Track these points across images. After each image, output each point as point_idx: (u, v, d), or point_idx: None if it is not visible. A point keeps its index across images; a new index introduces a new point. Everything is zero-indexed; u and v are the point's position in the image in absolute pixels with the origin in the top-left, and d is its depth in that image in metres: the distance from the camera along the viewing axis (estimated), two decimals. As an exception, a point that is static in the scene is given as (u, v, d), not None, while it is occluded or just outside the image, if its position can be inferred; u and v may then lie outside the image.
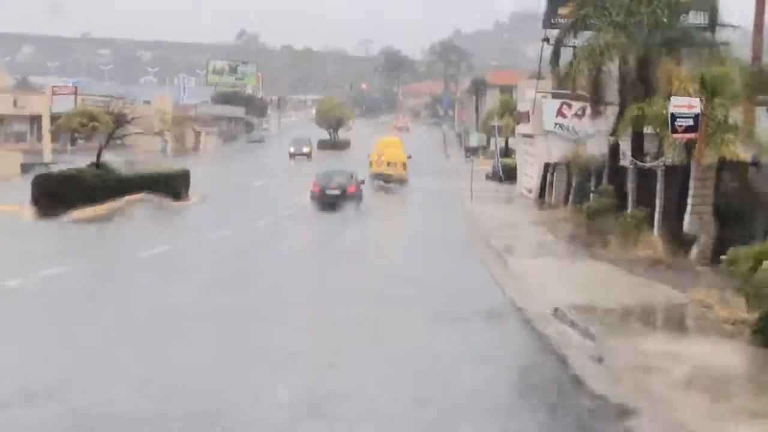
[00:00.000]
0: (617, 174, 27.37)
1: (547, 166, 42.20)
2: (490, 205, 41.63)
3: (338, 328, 15.22)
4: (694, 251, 20.25)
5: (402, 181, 53.23)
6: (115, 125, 41.04)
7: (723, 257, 13.93)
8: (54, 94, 79.53)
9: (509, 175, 54.72)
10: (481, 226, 32.09)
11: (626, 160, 26.58)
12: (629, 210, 24.96)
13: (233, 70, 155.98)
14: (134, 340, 13.85)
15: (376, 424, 10.08)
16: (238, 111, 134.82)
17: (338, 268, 23.15)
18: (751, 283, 12.86)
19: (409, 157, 56.02)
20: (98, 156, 40.06)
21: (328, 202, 39.47)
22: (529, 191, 46.86)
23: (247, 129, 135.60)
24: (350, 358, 13.17)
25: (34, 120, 79.20)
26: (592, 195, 29.45)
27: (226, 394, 10.84)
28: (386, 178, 52.79)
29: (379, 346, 14.07)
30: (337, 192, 40.13)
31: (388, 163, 53.76)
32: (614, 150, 27.46)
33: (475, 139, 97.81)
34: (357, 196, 41.12)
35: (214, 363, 12.52)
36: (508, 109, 73.22)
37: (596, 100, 29.88)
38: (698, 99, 21.31)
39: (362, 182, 43.77)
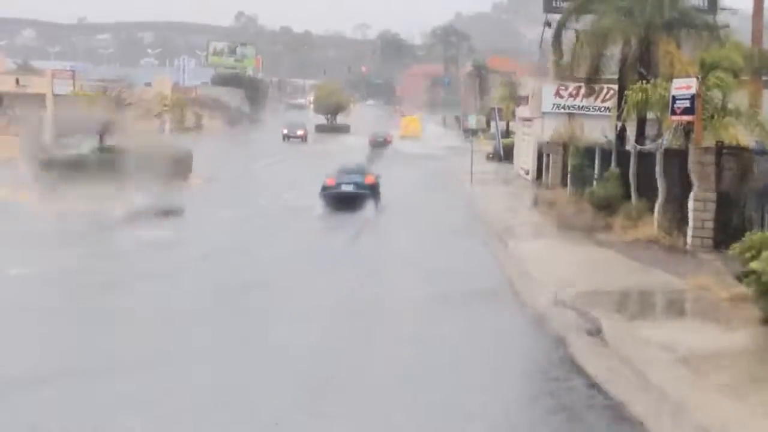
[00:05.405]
0: (621, 158, 27.34)
1: (541, 145, 42.03)
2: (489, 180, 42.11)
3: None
4: (693, 237, 20.22)
5: (418, 138, 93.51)
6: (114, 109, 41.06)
7: (733, 245, 13.85)
8: (54, 77, 78.94)
9: (507, 155, 59.71)
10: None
11: (629, 144, 26.55)
12: (632, 196, 24.89)
13: (233, 52, 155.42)
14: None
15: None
16: (237, 93, 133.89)
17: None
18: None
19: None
20: (101, 140, 40.21)
21: (378, 144, 77.28)
22: (527, 172, 46.86)
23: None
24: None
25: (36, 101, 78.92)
26: (596, 181, 29.11)
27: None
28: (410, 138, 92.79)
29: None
30: (381, 140, 79.86)
31: (413, 132, 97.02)
32: (621, 134, 27.43)
33: (473, 121, 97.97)
34: (390, 142, 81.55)
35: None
36: (510, 94, 73.67)
37: (594, 81, 29.91)
38: (695, 79, 21.26)
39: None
